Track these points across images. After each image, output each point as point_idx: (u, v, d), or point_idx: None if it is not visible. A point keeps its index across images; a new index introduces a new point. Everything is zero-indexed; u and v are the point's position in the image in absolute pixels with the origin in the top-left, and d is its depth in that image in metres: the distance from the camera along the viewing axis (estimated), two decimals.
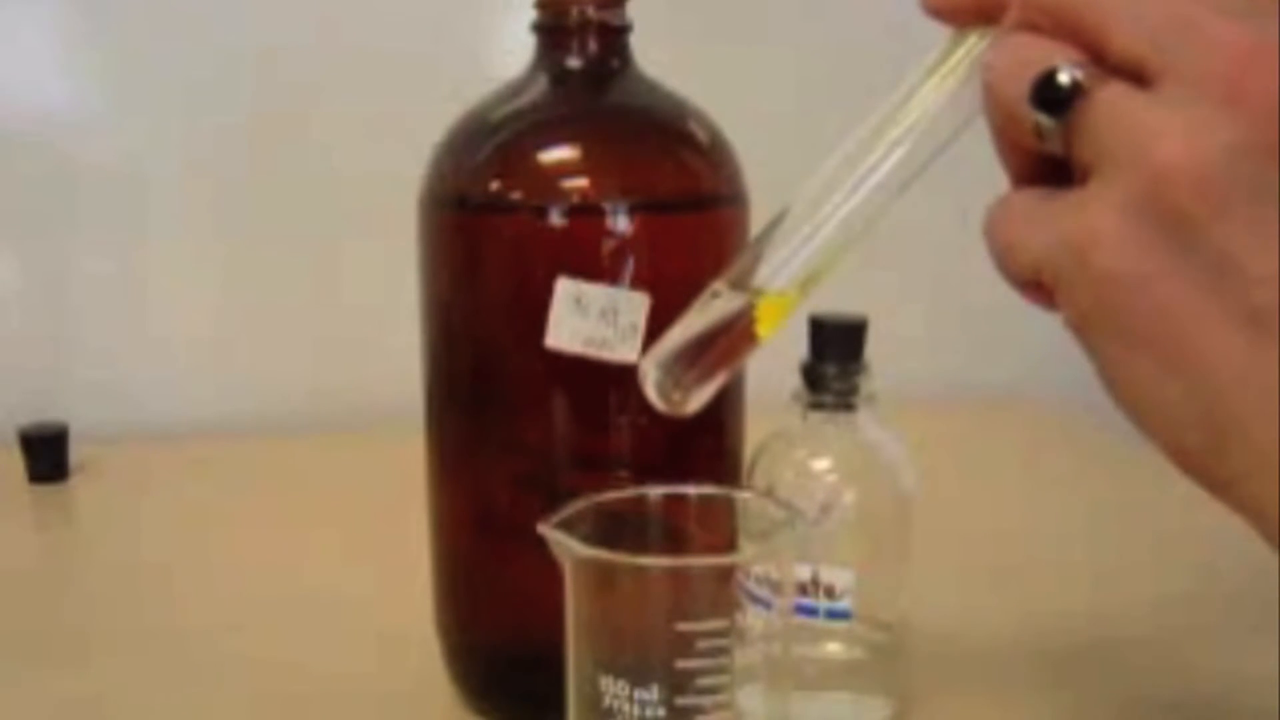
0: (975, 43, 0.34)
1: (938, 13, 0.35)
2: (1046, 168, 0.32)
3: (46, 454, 0.78)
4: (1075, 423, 0.92)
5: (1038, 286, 0.32)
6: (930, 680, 0.51)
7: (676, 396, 0.37)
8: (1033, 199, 0.32)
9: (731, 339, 0.36)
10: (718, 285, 0.37)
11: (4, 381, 0.86)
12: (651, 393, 0.37)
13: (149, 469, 0.82)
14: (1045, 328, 1.05)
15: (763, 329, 0.36)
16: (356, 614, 0.59)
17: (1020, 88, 0.31)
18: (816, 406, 0.47)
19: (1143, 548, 0.68)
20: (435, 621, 0.51)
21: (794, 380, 0.48)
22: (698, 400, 0.37)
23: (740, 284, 0.36)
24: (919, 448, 0.48)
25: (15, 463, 0.78)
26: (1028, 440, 0.88)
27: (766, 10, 0.91)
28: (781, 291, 0.36)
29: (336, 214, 0.88)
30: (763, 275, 0.36)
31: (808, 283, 0.36)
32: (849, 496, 0.47)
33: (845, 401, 0.47)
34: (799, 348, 0.48)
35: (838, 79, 0.92)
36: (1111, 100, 0.29)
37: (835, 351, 0.47)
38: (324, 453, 0.83)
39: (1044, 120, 0.31)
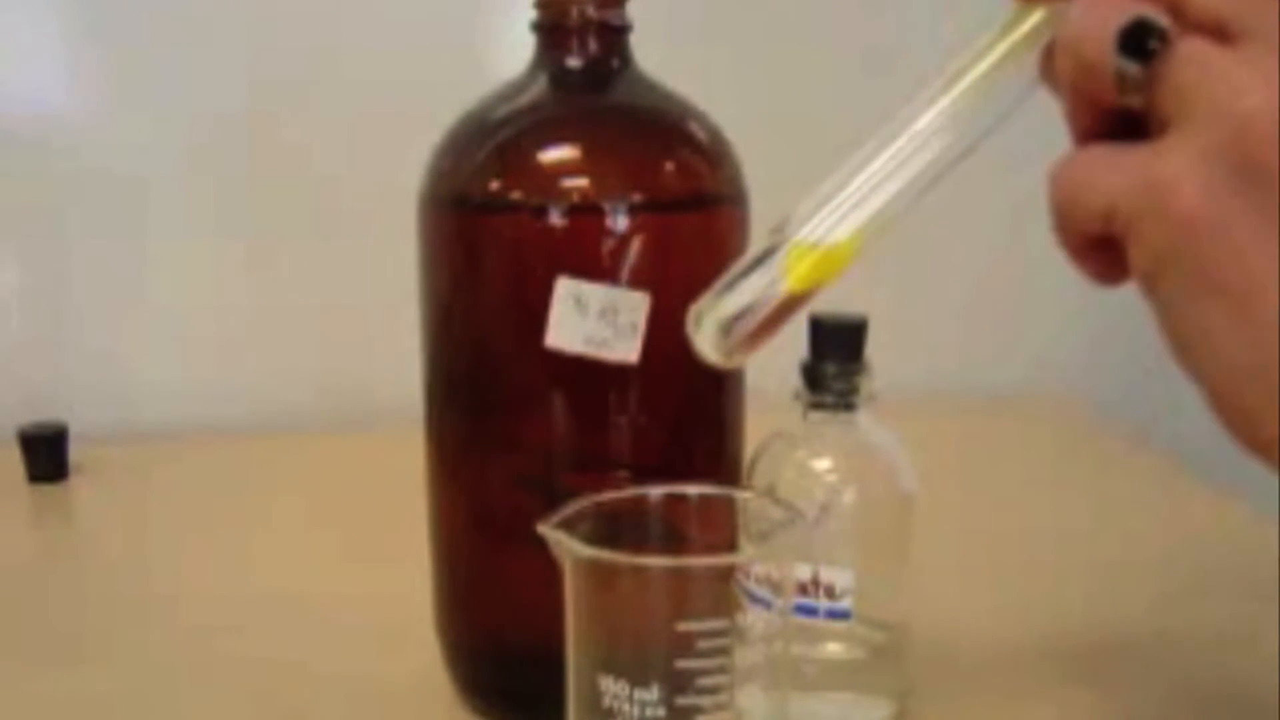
0: (1041, 17, 0.34)
1: None
2: (1116, 127, 0.32)
3: (46, 454, 0.78)
4: (1076, 423, 0.92)
5: (1094, 250, 0.33)
6: (930, 680, 0.51)
7: (725, 350, 0.36)
8: (1107, 148, 0.32)
9: (767, 289, 0.36)
10: (778, 228, 0.36)
11: (4, 381, 0.86)
12: (704, 347, 0.37)
13: (149, 469, 0.81)
14: (1045, 328, 1.05)
15: (795, 281, 0.36)
16: (356, 614, 0.59)
17: (1104, 38, 0.31)
18: (816, 406, 0.47)
19: (1143, 547, 0.68)
20: (435, 621, 0.51)
21: (794, 380, 0.48)
22: (742, 357, 0.37)
23: (784, 231, 0.36)
24: (919, 448, 0.48)
25: (15, 463, 0.78)
26: (1028, 440, 0.88)
27: (766, 10, 0.90)
28: (819, 243, 0.35)
29: (336, 214, 0.88)
30: (804, 226, 0.36)
31: (855, 239, 0.35)
32: (849, 496, 0.47)
33: (845, 401, 0.47)
34: (799, 348, 0.48)
35: (838, 79, 0.93)
36: (1197, 52, 0.30)
37: (835, 351, 0.47)
38: (324, 453, 0.83)
39: (1129, 68, 0.31)
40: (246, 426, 0.88)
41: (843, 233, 0.35)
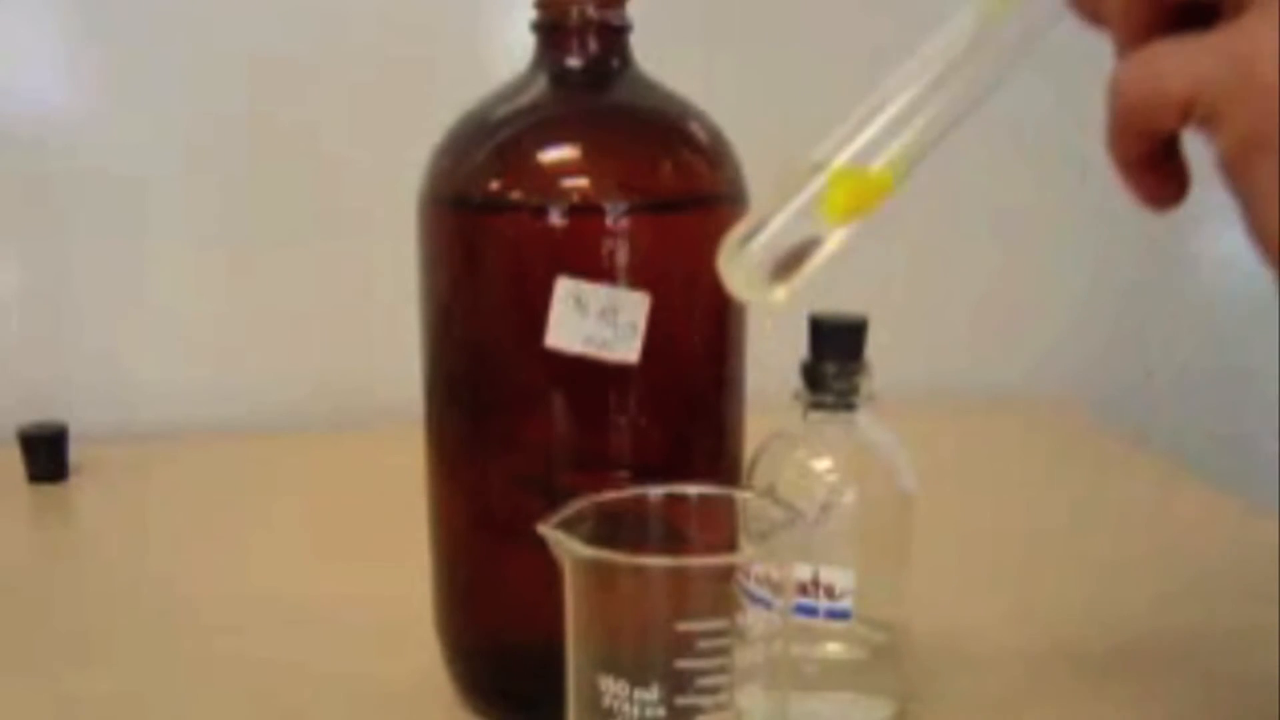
0: None
1: None
2: (1175, 23, 0.31)
3: (46, 454, 0.78)
4: (1075, 423, 0.92)
5: (1152, 165, 0.31)
6: (930, 680, 0.51)
7: (756, 289, 0.34)
8: (1176, 41, 0.31)
9: (803, 220, 0.34)
10: (809, 159, 0.34)
11: (4, 381, 0.86)
12: (738, 285, 0.34)
13: (149, 469, 0.81)
14: (1045, 328, 1.05)
15: (834, 211, 0.33)
16: (356, 614, 0.59)
17: None
18: (816, 406, 0.47)
19: (1143, 547, 0.68)
20: (435, 621, 0.51)
21: (794, 380, 0.48)
22: (782, 293, 0.34)
23: (816, 161, 0.34)
24: (919, 448, 0.48)
25: (15, 463, 0.78)
26: (1028, 440, 0.88)
27: (767, 10, 0.90)
28: (857, 171, 0.33)
29: (336, 214, 0.88)
30: (839, 154, 0.34)
31: (896, 165, 0.33)
32: (849, 496, 0.47)
33: (845, 401, 0.47)
34: (799, 348, 0.48)
35: (839, 79, 0.93)
36: None
37: (835, 351, 0.47)
38: (324, 453, 0.83)
39: None
40: (246, 426, 0.88)
41: (883, 160, 0.33)
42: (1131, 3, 0.32)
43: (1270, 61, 0.28)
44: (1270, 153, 0.29)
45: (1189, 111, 0.30)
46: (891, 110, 0.34)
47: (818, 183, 0.34)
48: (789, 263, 0.34)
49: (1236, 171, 0.30)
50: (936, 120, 0.34)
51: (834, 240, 0.34)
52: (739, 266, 0.34)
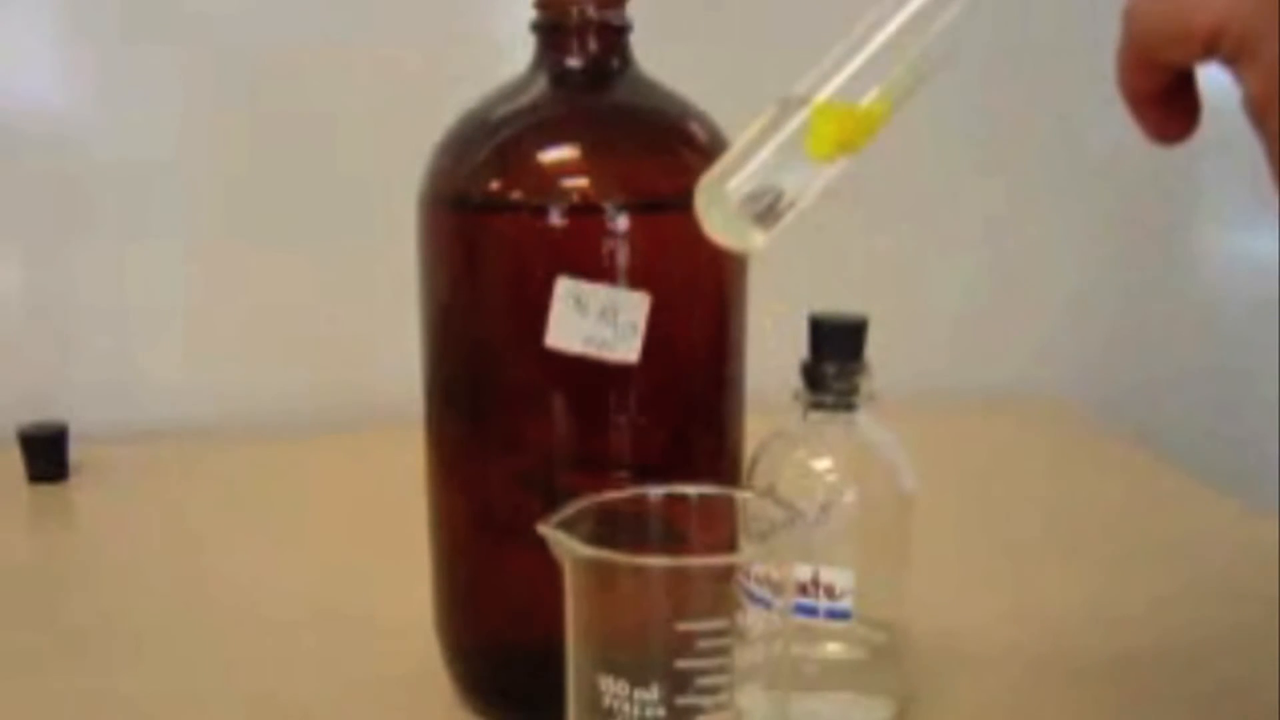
0: None
1: None
2: None
3: (46, 454, 0.78)
4: (1074, 422, 0.92)
5: (1162, 97, 0.29)
6: (930, 680, 0.51)
7: (734, 231, 0.32)
8: None
9: (787, 156, 0.31)
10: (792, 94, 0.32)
11: (4, 381, 0.86)
12: (715, 229, 0.32)
13: (149, 469, 0.81)
14: (1044, 328, 1.06)
15: (821, 145, 0.31)
16: (356, 614, 0.59)
17: None
18: (816, 406, 0.47)
19: (1142, 547, 0.68)
20: (435, 621, 0.51)
21: (794, 380, 0.48)
22: (761, 237, 0.32)
23: (800, 95, 0.32)
24: (919, 448, 0.48)
25: (15, 463, 0.78)
26: (1027, 440, 0.88)
27: (767, 10, 0.90)
28: (845, 104, 0.31)
29: (336, 214, 0.88)
30: (824, 87, 0.31)
31: (885, 99, 0.31)
32: (849, 496, 0.47)
33: (845, 401, 0.47)
34: (799, 348, 0.48)
35: None
36: None
37: (835, 351, 0.47)
38: (324, 453, 0.83)
39: None
40: (247, 426, 0.88)
41: (871, 94, 0.31)
42: None
43: None
44: None
45: (1214, 45, 0.28)
46: (875, 44, 0.32)
47: (801, 116, 0.31)
48: (772, 203, 0.32)
49: (1263, 115, 0.28)
50: (929, 52, 0.32)
51: (819, 179, 0.32)
52: (717, 207, 0.32)
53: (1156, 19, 0.29)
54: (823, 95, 0.31)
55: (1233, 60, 0.28)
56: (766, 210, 0.32)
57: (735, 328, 0.48)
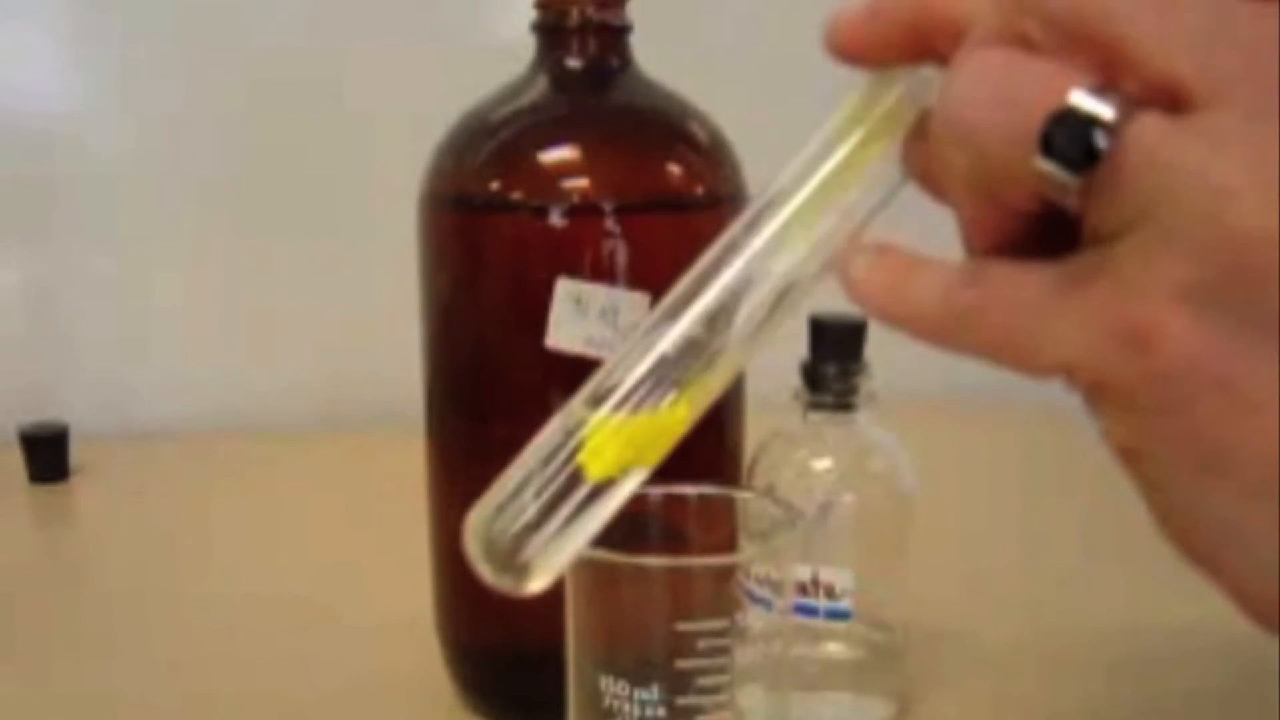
0: (902, 94, 0.27)
1: (845, 52, 0.27)
2: (1032, 231, 0.25)
3: (46, 454, 0.78)
4: (1074, 423, 0.92)
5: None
6: (930, 680, 0.51)
7: (509, 575, 0.28)
8: (1045, 278, 0.24)
9: (564, 483, 0.28)
10: (575, 404, 0.28)
11: (4, 381, 0.86)
12: (483, 570, 0.28)
13: (149, 469, 0.82)
14: None
15: (593, 465, 0.28)
16: (356, 614, 0.59)
17: (1015, 128, 0.23)
18: (816, 406, 0.47)
19: (1142, 547, 0.68)
20: (435, 621, 0.51)
21: (794, 380, 0.48)
22: (543, 576, 0.28)
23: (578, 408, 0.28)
24: (919, 448, 0.48)
25: (15, 463, 0.78)
26: (1027, 440, 0.88)
27: (767, 10, 0.90)
28: (609, 417, 0.28)
29: (337, 214, 0.88)
30: (610, 398, 0.28)
31: (688, 399, 0.28)
32: (849, 496, 0.47)
33: (845, 401, 0.47)
34: (799, 348, 0.48)
35: (838, 79, 0.93)
36: (1152, 143, 0.22)
37: (835, 351, 0.47)
38: (324, 452, 0.83)
39: (1058, 175, 0.23)
40: (246, 426, 0.88)
41: (670, 397, 0.28)
42: (981, 215, 0.26)
43: (1171, 341, 0.22)
44: (1173, 449, 0.24)
45: (1068, 380, 0.25)
46: (670, 340, 0.28)
47: (577, 437, 0.28)
48: (558, 532, 0.28)
49: (1131, 460, 0.25)
50: (733, 345, 0.28)
51: (614, 498, 0.29)
52: (485, 548, 0.28)
53: (996, 340, 0.26)
54: (604, 409, 0.28)
55: (1088, 401, 0.25)
56: (547, 547, 0.28)
57: None
